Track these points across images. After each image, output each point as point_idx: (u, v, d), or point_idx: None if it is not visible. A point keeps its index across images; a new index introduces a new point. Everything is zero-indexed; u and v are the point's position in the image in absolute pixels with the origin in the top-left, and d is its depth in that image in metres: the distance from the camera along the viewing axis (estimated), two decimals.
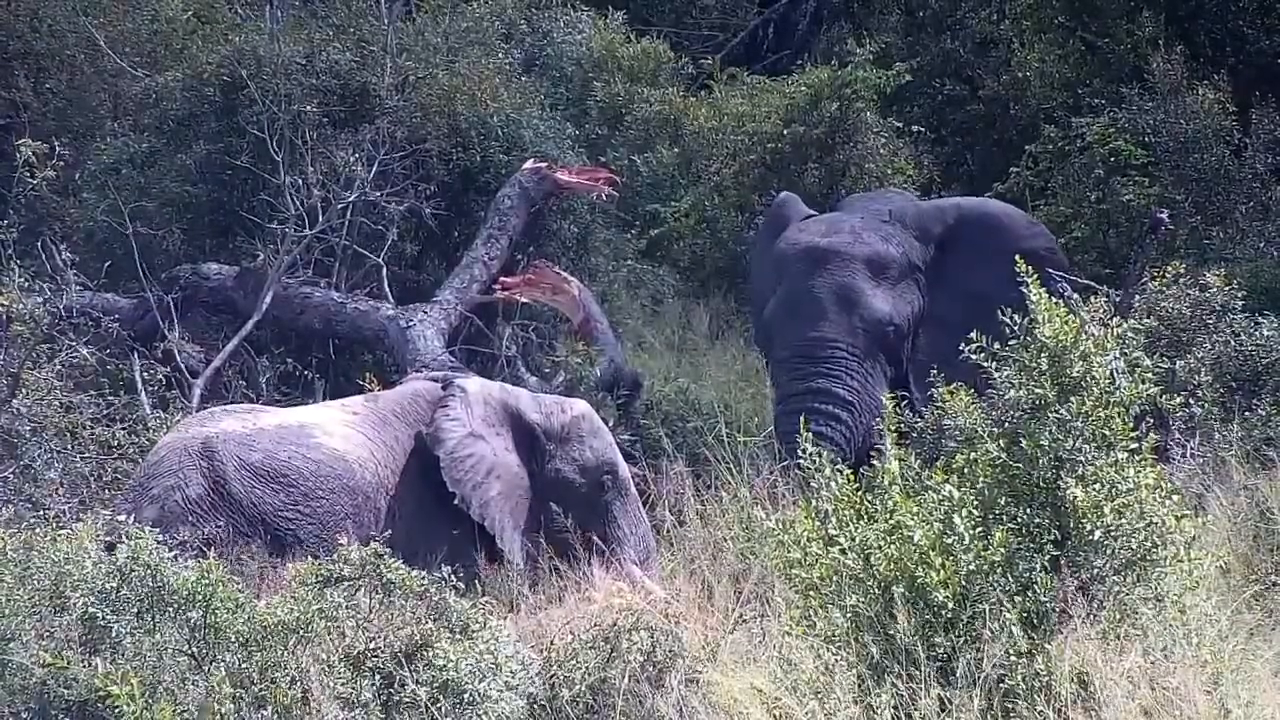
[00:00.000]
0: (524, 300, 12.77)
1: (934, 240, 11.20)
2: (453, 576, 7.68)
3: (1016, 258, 7.52)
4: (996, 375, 7.34)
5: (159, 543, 7.33)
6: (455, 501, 9.13)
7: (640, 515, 9.69)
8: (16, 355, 10.72)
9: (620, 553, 9.45)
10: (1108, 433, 7.10)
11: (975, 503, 7.04)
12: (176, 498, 8.69)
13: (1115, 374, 7.20)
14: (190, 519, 8.60)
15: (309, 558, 7.89)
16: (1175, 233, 12.56)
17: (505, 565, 9.11)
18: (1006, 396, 7.28)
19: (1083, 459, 7.05)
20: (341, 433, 9.16)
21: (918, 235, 11.19)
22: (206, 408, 10.91)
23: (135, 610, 7.16)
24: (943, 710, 6.68)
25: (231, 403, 11.26)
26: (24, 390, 10.59)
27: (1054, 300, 7.32)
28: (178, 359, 12.08)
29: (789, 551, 7.12)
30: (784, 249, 11.18)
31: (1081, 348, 7.17)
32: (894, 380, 10.75)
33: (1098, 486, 7.00)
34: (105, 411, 11.12)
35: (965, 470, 7.20)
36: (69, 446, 10.50)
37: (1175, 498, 7.18)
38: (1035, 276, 7.31)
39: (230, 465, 8.80)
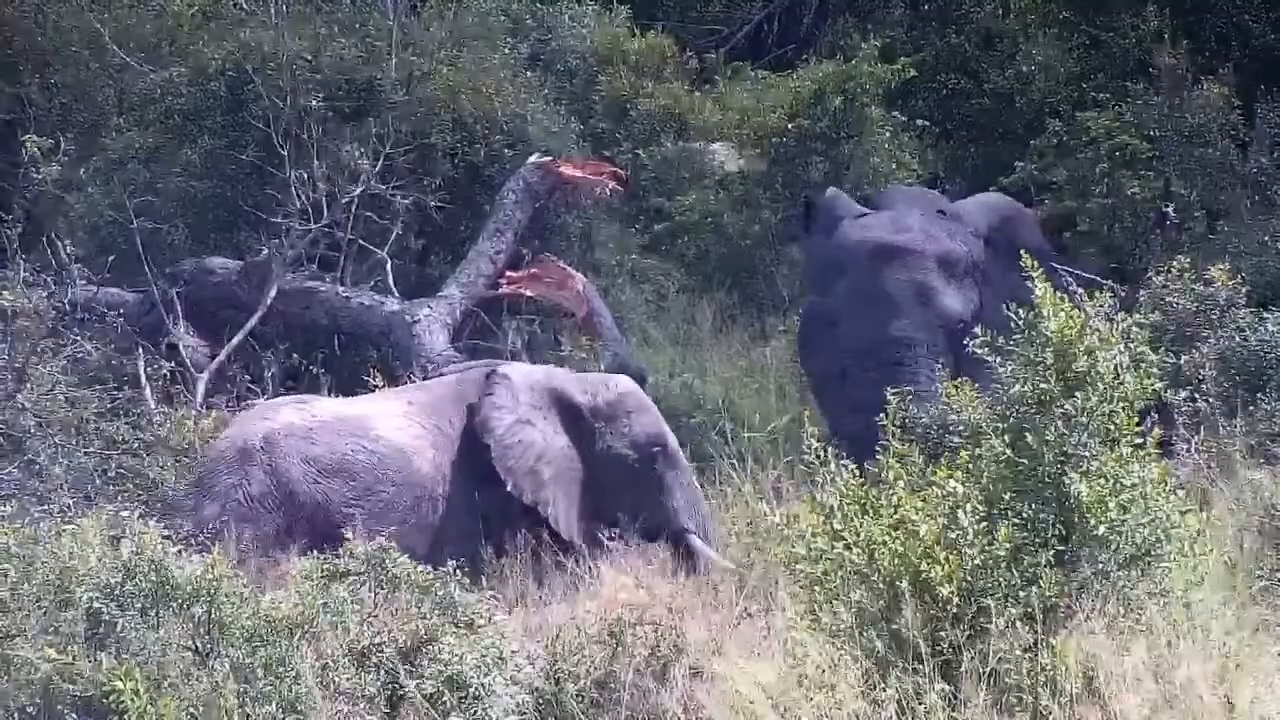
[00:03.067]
0: (529, 295, 12.76)
1: (984, 237, 11.17)
2: (457, 571, 7.68)
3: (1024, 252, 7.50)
4: (1001, 370, 7.33)
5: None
6: (508, 488, 9.15)
7: (694, 485, 9.70)
8: (22, 350, 10.72)
9: (680, 523, 9.47)
10: (1112, 428, 7.10)
11: (980, 498, 7.03)
12: (238, 495, 8.71)
13: (1120, 369, 7.19)
14: (252, 516, 8.61)
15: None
16: (1180, 227, 12.54)
17: (559, 546, 9.12)
18: (1011, 391, 7.27)
19: (1087, 454, 7.04)
20: (399, 424, 9.17)
21: (974, 231, 11.15)
22: (210, 402, 10.92)
23: (140, 605, 7.16)
24: (948, 705, 6.68)
25: (236, 397, 11.28)
26: (29, 385, 10.60)
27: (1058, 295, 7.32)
28: (182, 354, 12.06)
29: (794, 546, 7.11)
30: (850, 245, 11.01)
31: (1086, 343, 7.16)
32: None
33: (1102, 482, 6.99)
34: (110, 406, 11.12)
35: (970, 465, 7.20)
36: (74, 441, 10.50)
37: (1180, 493, 7.18)
38: (1041, 272, 7.30)
39: (293, 460, 8.81)
